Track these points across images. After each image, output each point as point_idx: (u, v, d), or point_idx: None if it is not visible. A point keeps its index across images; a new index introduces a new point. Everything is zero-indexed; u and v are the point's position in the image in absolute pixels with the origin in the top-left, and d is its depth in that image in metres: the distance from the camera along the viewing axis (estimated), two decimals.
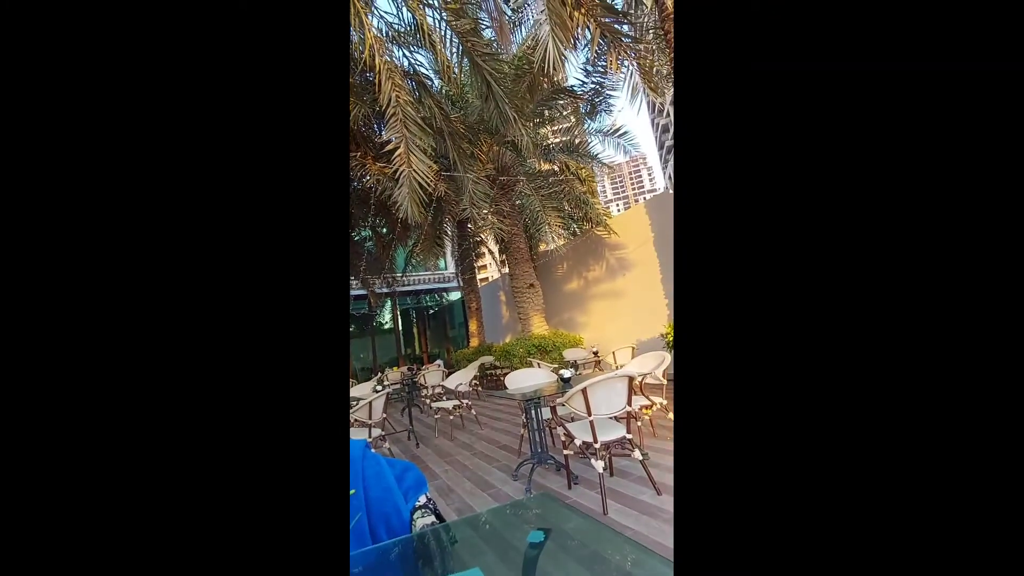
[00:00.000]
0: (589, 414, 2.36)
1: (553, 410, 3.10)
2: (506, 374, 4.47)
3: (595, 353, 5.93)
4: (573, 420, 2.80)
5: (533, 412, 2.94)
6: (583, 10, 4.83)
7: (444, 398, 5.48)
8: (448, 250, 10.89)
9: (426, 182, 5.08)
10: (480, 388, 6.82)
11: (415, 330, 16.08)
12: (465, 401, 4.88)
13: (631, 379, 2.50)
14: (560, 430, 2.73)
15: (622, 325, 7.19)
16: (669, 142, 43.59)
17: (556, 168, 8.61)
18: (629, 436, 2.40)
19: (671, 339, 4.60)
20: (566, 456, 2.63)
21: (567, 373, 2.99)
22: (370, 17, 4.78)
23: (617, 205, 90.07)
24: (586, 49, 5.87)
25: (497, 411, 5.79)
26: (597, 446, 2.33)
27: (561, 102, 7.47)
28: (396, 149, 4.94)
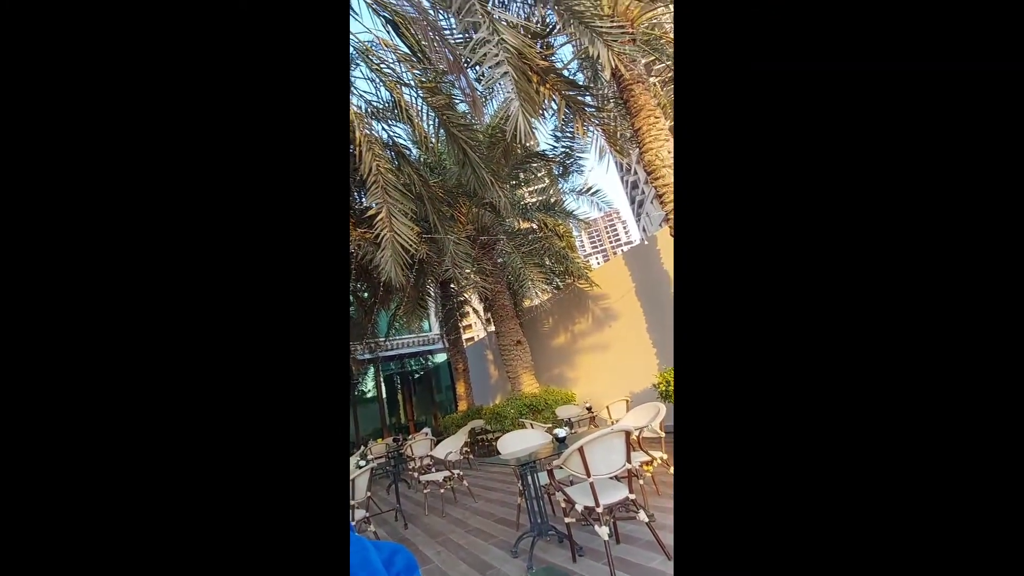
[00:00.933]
0: (588, 475, 2.22)
1: (550, 474, 2.91)
2: (498, 438, 4.25)
3: (589, 409, 5.74)
4: (572, 483, 2.61)
5: (529, 478, 2.75)
6: (548, 85, 5.24)
7: (433, 469, 5.14)
8: (432, 311, 10.81)
9: (409, 244, 5.13)
10: (471, 455, 6.43)
11: (400, 397, 15.46)
12: (456, 471, 4.57)
13: (628, 434, 2.39)
14: (559, 496, 2.53)
15: (613, 377, 7.05)
16: (640, 197, 46.06)
17: (535, 226, 8.88)
18: (632, 496, 2.24)
19: (663, 389, 4.50)
20: (568, 525, 2.42)
21: (562, 432, 2.84)
22: (350, 96, 5.07)
23: (596, 258, 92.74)
24: (554, 117, 6.31)
25: (491, 480, 5.42)
26: (600, 510, 2.16)
27: (535, 165, 7.87)
28: (378, 215, 5.03)
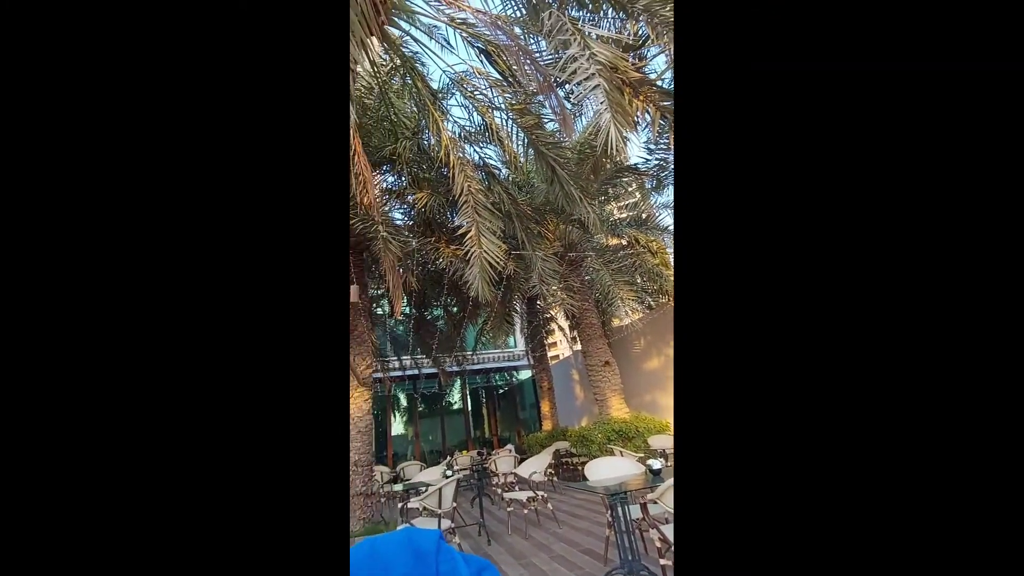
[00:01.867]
0: None
1: (644, 508, 2.66)
2: (584, 462, 4.05)
3: None
4: (668, 522, 2.35)
5: (620, 510, 2.54)
6: (641, 97, 5.07)
7: (517, 487, 5.06)
8: (517, 327, 10.91)
9: (496, 261, 5.24)
10: (556, 477, 6.24)
11: (484, 411, 15.75)
12: (540, 493, 4.44)
13: None
14: (654, 533, 2.29)
15: None
16: None
17: (625, 242, 8.56)
18: None
19: None
20: (663, 568, 2.17)
21: (657, 464, 2.60)
22: (446, 123, 5.41)
23: None
24: (647, 129, 6.07)
25: (577, 506, 5.18)
26: None
27: (625, 179, 7.62)
28: (468, 232, 5.23)
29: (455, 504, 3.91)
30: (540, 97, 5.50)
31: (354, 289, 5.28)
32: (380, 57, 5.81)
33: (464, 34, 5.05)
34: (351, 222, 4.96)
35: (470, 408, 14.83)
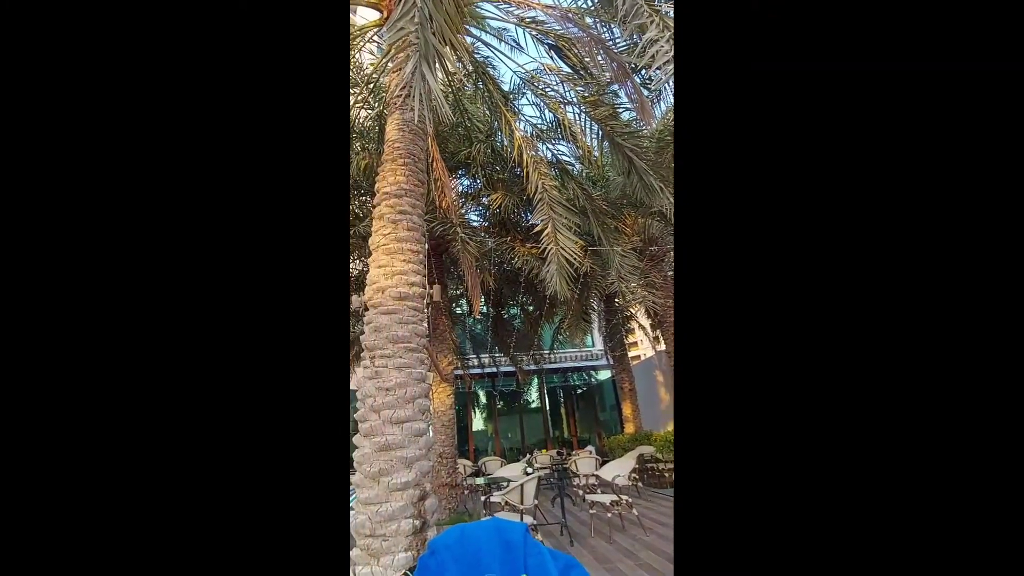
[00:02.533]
0: None
1: None
2: (671, 469, 3.81)
3: None
4: None
5: None
6: None
7: (599, 490, 4.93)
8: (595, 326, 10.66)
9: (573, 258, 5.16)
10: (640, 483, 5.98)
11: (563, 411, 15.63)
12: (624, 497, 4.28)
13: None
14: None
15: None
16: None
17: None
18: None
19: None
20: None
21: None
22: (518, 123, 5.45)
23: None
24: None
25: (664, 514, 4.91)
26: None
27: None
28: (543, 230, 5.21)
29: (536, 502, 3.91)
30: (615, 87, 5.30)
31: (436, 288, 5.53)
32: (454, 66, 6.03)
33: (533, 32, 5.04)
34: (431, 225, 5.21)
35: (548, 407, 14.82)
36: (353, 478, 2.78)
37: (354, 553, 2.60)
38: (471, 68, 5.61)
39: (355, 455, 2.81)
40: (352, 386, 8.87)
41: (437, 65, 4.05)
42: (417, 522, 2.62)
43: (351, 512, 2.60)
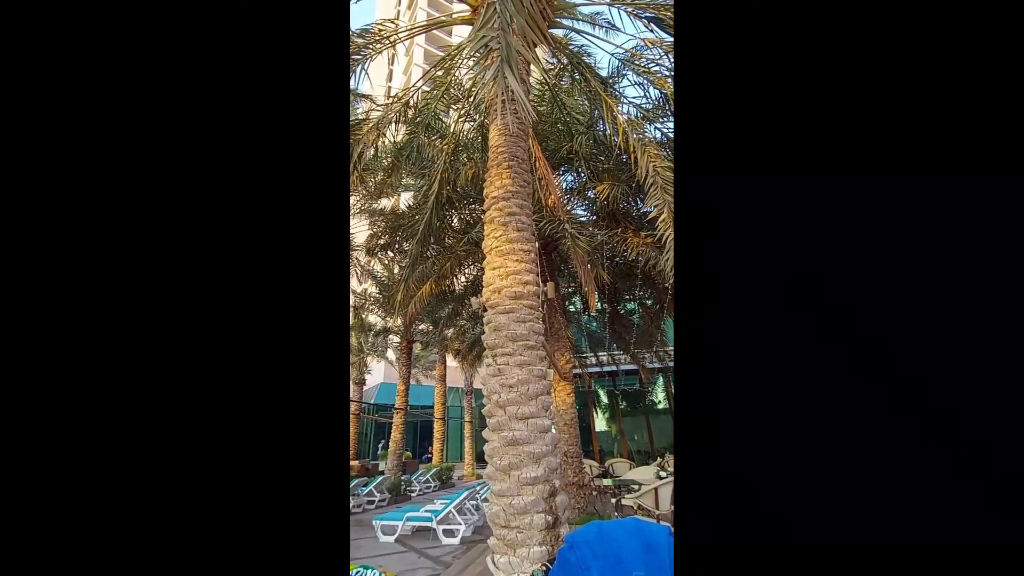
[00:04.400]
0: None
1: None
2: None
3: None
4: None
5: None
6: None
7: None
8: None
9: None
10: None
11: None
12: None
13: None
14: None
15: None
16: None
17: None
18: None
19: None
20: None
21: None
22: (620, 106, 5.19)
23: None
24: None
25: None
26: None
27: None
28: (659, 216, 4.86)
29: (672, 507, 3.62)
30: None
31: (550, 286, 5.55)
32: (547, 62, 6.02)
33: (628, 10, 4.76)
34: (539, 224, 5.24)
35: (674, 408, 13.78)
36: (487, 470, 2.90)
37: (491, 542, 2.70)
38: (566, 61, 5.53)
39: (486, 448, 2.93)
40: (477, 384, 9.39)
41: (530, 66, 4.07)
42: (549, 517, 2.61)
43: (486, 503, 2.71)
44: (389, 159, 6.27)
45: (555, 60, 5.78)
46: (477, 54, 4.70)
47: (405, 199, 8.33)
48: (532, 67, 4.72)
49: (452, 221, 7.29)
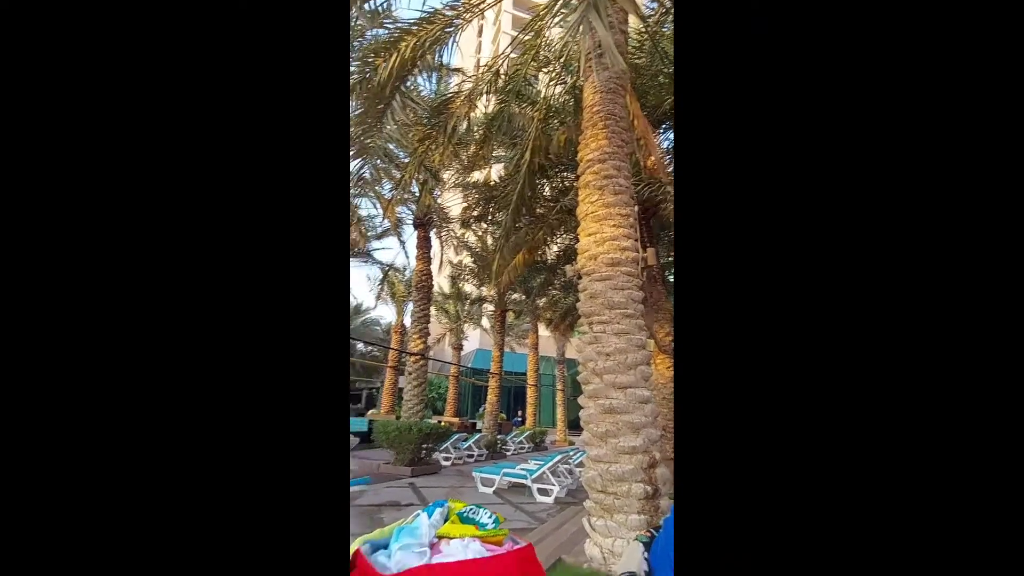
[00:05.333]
0: None
1: None
2: None
3: None
4: None
5: None
6: None
7: None
8: None
9: None
10: None
11: None
12: None
13: None
14: None
15: None
16: None
17: None
18: None
19: None
20: None
21: None
22: None
23: None
24: None
25: None
26: None
27: None
28: None
29: None
30: None
31: (650, 252, 5.27)
32: (647, 7, 5.47)
33: None
34: (637, 188, 4.94)
35: None
36: (582, 436, 2.93)
37: (587, 504, 2.76)
38: (668, 3, 4.98)
39: (581, 414, 2.96)
40: (570, 354, 9.42)
41: (627, 16, 3.72)
42: (649, 488, 2.57)
43: (580, 468, 2.75)
44: (481, 131, 6.35)
45: (655, 3, 5.24)
46: (564, 9, 4.44)
47: (496, 171, 8.43)
48: (629, 17, 4.33)
49: (544, 190, 7.22)
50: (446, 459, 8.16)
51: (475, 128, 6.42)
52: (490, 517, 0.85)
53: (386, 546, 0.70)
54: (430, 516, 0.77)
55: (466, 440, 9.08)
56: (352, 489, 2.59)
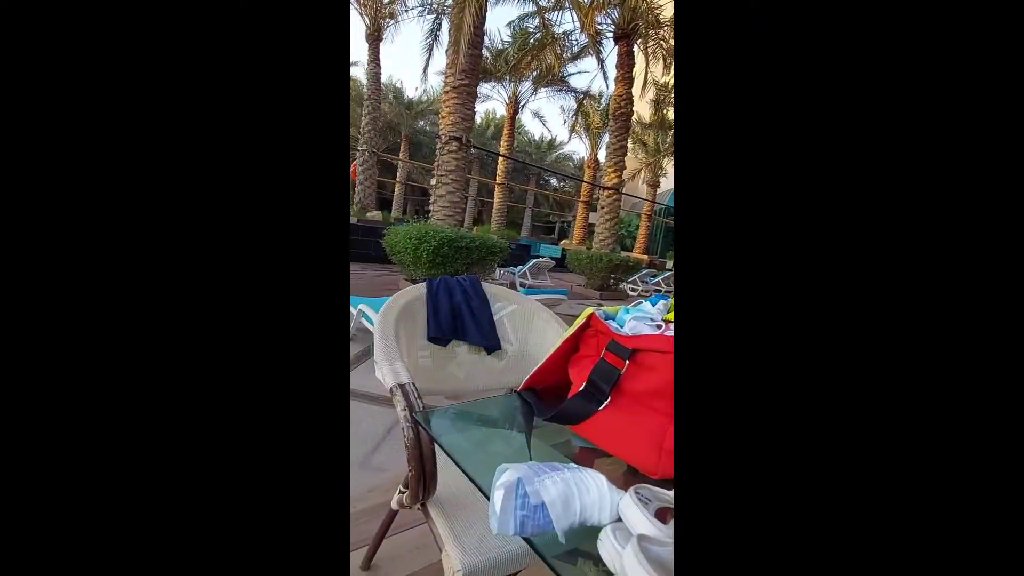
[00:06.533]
0: None
1: None
2: None
3: None
4: None
5: None
6: None
7: None
8: None
9: None
10: None
11: None
12: None
13: None
14: None
15: None
16: None
17: None
18: None
19: None
20: None
21: None
22: None
23: None
24: None
25: None
26: None
27: None
28: None
29: None
30: None
31: None
32: None
33: None
34: None
35: None
36: None
37: None
38: None
39: None
40: None
41: None
42: None
43: None
44: None
45: None
46: None
47: None
48: None
49: None
50: (632, 290, 8.65)
51: None
52: None
53: (613, 317, 0.84)
54: (653, 305, 0.87)
55: (654, 276, 9.26)
56: (553, 296, 3.08)
